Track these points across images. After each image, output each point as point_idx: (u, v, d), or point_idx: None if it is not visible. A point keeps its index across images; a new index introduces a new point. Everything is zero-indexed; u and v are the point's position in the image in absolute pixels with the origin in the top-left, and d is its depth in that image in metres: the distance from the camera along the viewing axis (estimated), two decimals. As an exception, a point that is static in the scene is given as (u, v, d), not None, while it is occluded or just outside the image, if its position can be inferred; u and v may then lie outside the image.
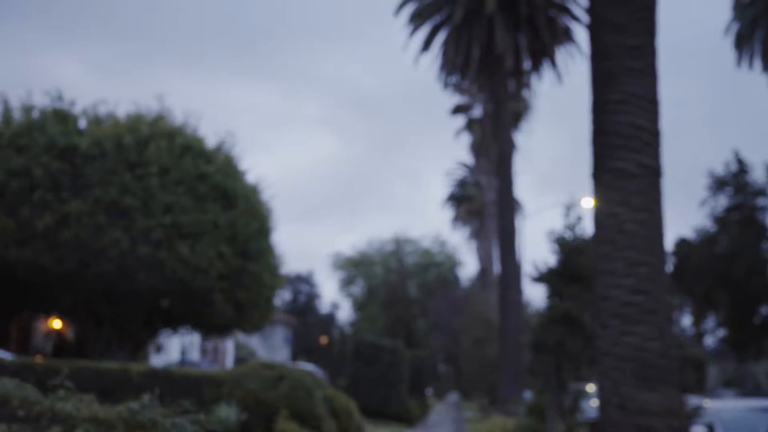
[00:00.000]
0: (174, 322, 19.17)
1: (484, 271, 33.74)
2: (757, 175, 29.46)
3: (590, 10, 7.79)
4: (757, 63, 24.52)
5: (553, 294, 12.51)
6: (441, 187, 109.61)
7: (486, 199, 30.96)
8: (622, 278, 6.85)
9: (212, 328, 18.51)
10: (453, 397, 47.78)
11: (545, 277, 12.16)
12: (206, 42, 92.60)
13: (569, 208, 11.89)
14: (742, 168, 29.57)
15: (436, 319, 44.50)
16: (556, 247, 11.47)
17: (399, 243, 58.81)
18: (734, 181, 29.64)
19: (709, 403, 12.10)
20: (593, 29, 7.67)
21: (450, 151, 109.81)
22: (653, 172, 7.10)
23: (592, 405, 20.92)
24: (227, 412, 6.24)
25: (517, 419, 14.65)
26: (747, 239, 27.82)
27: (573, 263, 12.13)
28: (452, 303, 41.04)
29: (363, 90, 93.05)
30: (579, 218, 12.46)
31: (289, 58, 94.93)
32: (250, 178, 18.86)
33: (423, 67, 22.48)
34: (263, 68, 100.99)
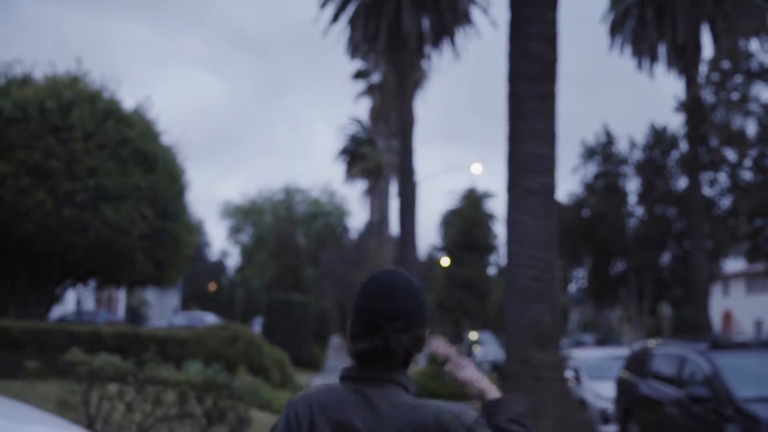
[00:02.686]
0: (88, 278, 19.83)
1: (380, 227, 35.80)
2: (621, 146, 33.16)
3: (509, 62, 9.66)
4: (627, 49, 27.58)
5: (454, 261, 14.43)
6: (329, 136, 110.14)
7: (383, 161, 32.75)
8: (525, 269, 8.95)
9: (132, 283, 19.35)
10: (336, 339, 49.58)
11: (447, 247, 14.08)
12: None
13: (470, 192, 13.84)
14: (609, 139, 33.08)
15: (327, 268, 46.03)
16: (455, 220, 13.24)
17: (288, 192, 59.41)
18: (602, 150, 33.14)
19: (575, 353, 14.89)
20: (510, 78, 9.59)
21: (339, 100, 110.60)
22: (550, 190, 9.20)
23: (477, 353, 23.84)
24: (196, 367, 7.72)
25: (420, 366, 16.93)
26: (610, 204, 31.45)
27: (471, 235, 14.01)
28: (343, 254, 42.75)
29: (247, 30, 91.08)
30: (476, 197, 14.37)
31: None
32: (166, 139, 19.58)
33: (324, 29, 23.42)
34: (141, 2, 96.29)
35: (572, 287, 41.58)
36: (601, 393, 11.39)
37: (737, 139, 18.40)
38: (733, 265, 42.45)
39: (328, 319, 31.24)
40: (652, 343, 10.34)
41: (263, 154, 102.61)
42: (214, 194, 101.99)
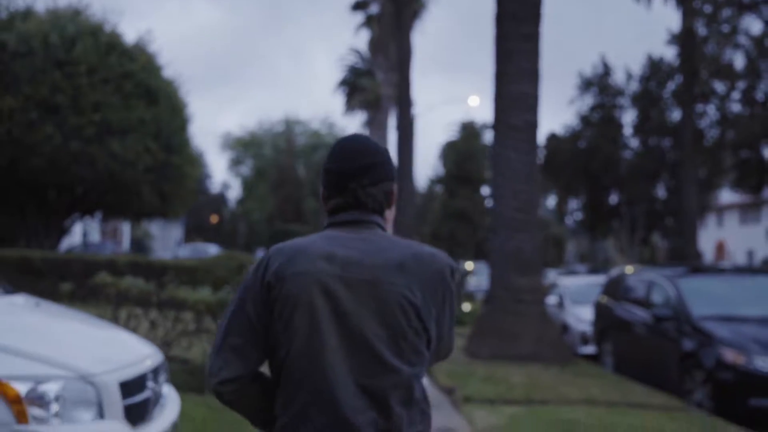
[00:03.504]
0: (95, 210, 20.51)
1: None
2: (618, 78, 33.15)
3: (496, 3, 10.03)
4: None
5: (448, 193, 15.00)
6: (329, 67, 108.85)
7: (382, 93, 32.91)
8: (509, 200, 9.60)
9: (139, 215, 20.02)
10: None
11: (443, 180, 14.64)
12: None
13: (467, 124, 14.30)
14: (606, 71, 32.99)
15: None
16: (450, 153, 13.67)
17: (288, 124, 59.27)
18: (599, 82, 33.09)
19: (560, 280, 15.74)
20: (497, 19, 9.99)
21: (339, 31, 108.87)
22: (533, 126, 9.76)
23: (472, 282, 24.71)
24: (205, 292, 8.43)
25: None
26: (605, 136, 31.73)
27: (465, 168, 14.50)
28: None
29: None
30: (472, 130, 14.84)
31: None
32: (167, 73, 19.89)
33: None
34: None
35: (568, 219, 42.21)
36: (582, 317, 12.23)
37: (725, 72, 18.66)
38: (728, 196, 43.00)
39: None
40: (629, 269, 11.08)
41: (263, 85, 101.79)
42: (214, 126, 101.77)
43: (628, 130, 32.93)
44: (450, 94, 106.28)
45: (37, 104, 16.46)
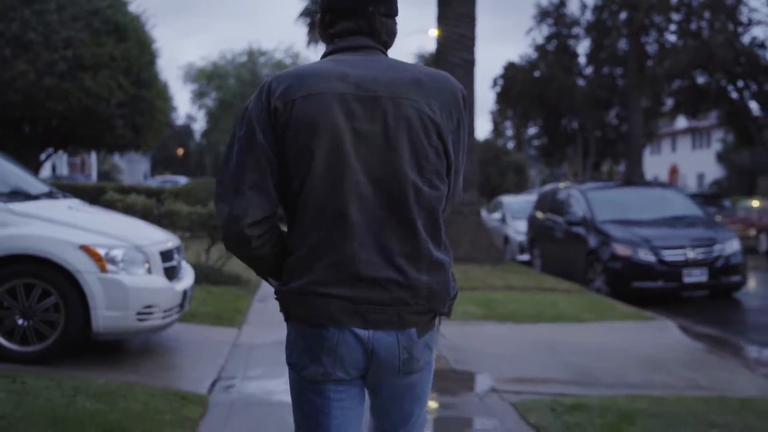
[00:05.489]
0: (70, 144, 21.42)
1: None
2: (573, 8, 34.14)
3: None
4: None
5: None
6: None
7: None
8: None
9: (112, 148, 21.03)
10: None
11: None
12: None
13: (426, 57, 15.50)
14: (561, 1, 33.87)
15: None
16: None
17: (252, 55, 58.91)
18: (555, 12, 34.01)
19: (503, 199, 17.51)
20: None
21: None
22: (470, 64, 11.20)
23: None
24: (197, 207, 9.82)
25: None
26: (560, 65, 32.92)
27: None
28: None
29: None
30: (427, 63, 16.08)
31: None
32: (133, 8, 20.55)
33: None
34: None
35: (527, 146, 43.63)
36: (520, 229, 14.01)
37: (662, 5, 20.02)
38: (682, 122, 44.85)
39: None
40: (562, 185, 12.81)
41: (223, 15, 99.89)
42: (176, 57, 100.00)
43: (582, 60, 34.10)
44: (415, 25, 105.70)
45: (9, 41, 17.11)
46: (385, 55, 1.72)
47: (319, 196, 1.56)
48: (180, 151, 60.34)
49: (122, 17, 19.11)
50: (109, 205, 7.71)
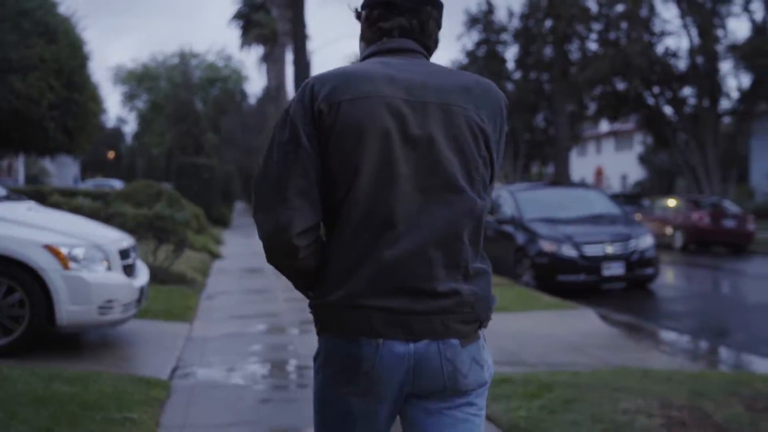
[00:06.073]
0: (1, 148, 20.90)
1: (278, 94, 37.21)
2: (501, 15, 35.35)
3: None
4: None
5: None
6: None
7: (279, 29, 33.74)
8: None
9: (43, 151, 20.63)
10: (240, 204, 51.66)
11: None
12: None
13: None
14: (490, 8, 35.03)
15: (228, 134, 46.62)
16: None
17: (183, 56, 58.16)
18: (484, 19, 35.13)
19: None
20: None
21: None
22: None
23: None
24: (143, 209, 10.00)
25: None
26: (490, 70, 33.98)
27: None
28: (243, 120, 43.76)
29: None
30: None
31: None
32: (63, 9, 20.27)
33: None
34: None
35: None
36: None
37: (582, 16, 21.17)
38: (606, 125, 46.72)
39: (231, 182, 33.28)
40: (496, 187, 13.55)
41: (153, 15, 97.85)
42: (104, 58, 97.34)
43: (511, 65, 35.31)
44: (351, 26, 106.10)
45: (-65, 43, 16.69)
46: (429, 60, 1.66)
47: (364, 204, 1.49)
48: (111, 155, 59.06)
49: (52, 19, 18.87)
50: (56, 208, 7.82)
